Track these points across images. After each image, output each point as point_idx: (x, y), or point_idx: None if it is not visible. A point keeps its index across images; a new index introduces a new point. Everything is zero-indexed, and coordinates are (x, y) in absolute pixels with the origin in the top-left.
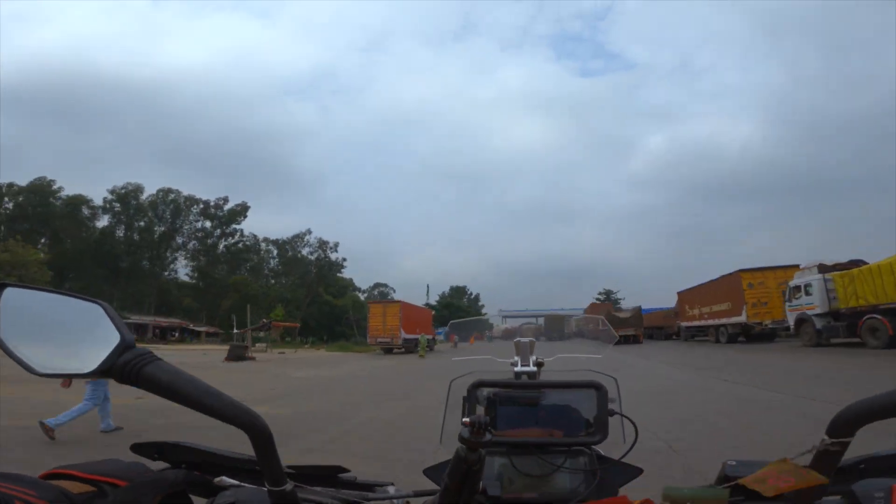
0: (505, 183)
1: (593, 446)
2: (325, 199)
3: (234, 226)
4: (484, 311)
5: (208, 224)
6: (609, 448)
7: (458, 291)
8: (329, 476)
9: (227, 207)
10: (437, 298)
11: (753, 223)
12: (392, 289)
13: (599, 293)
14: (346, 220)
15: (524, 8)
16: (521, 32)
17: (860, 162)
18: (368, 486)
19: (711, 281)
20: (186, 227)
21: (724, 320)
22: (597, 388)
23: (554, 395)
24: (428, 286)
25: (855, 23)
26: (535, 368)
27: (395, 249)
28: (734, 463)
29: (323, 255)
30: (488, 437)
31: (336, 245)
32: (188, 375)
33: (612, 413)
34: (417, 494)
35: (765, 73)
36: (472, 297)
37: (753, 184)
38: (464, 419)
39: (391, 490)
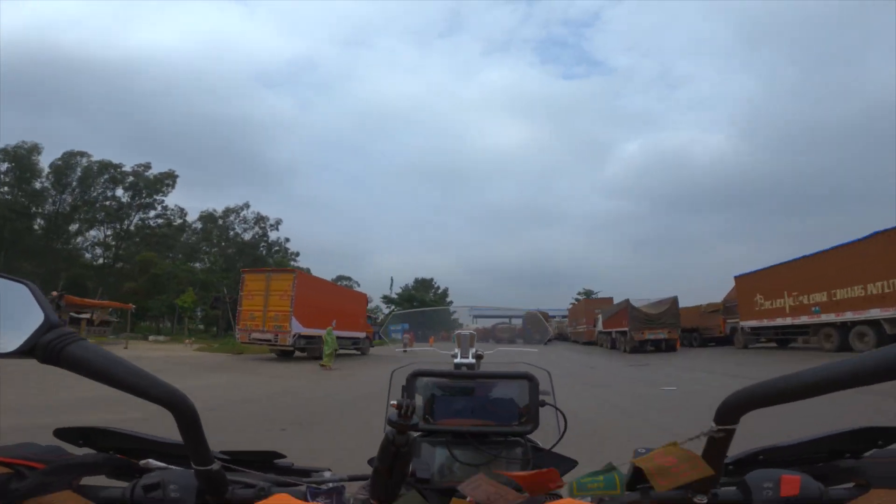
0: (484, 184)
1: (529, 437)
2: (297, 192)
3: (157, 196)
4: (452, 308)
5: (121, 193)
6: (549, 442)
7: (424, 284)
8: (264, 461)
9: (148, 174)
10: (400, 291)
11: (727, 232)
12: (356, 282)
13: (579, 293)
14: (319, 214)
15: (510, 11)
16: (507, 34)
17: (836, 174)
18: (304, 472)
19: (833, 248)
20: (97, 196)
21: (869, 313)
22: (529, 379)
23: (490, 386)
24: (392, 279)
25: (833, 36)
26: (473, 360)
27: (370, 247)
28: (644, 451)
29: (260, 233)
30: (415, 420)
31: (278, 222)
32: (113, 355)
33: (544, 404)
34: (352, 479)
35: (741, 85)
36: (440, 291)
37: (728, 193)
38: (392, 402)
39: (327, 475)
